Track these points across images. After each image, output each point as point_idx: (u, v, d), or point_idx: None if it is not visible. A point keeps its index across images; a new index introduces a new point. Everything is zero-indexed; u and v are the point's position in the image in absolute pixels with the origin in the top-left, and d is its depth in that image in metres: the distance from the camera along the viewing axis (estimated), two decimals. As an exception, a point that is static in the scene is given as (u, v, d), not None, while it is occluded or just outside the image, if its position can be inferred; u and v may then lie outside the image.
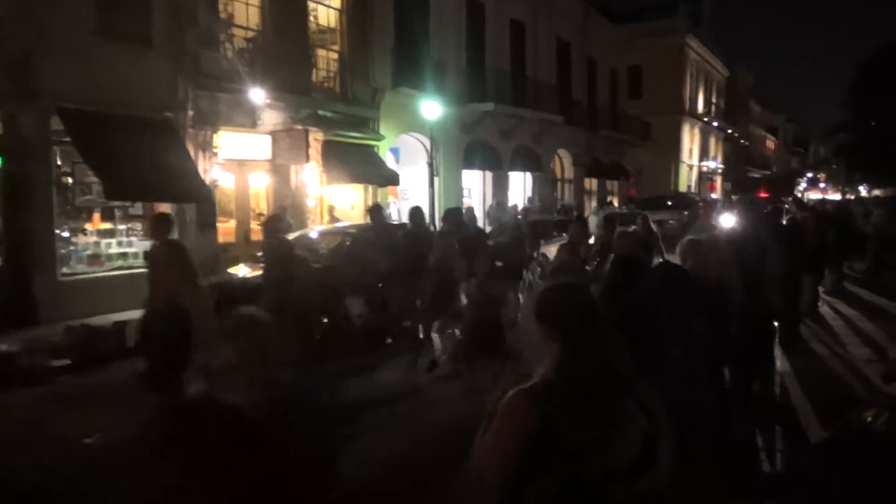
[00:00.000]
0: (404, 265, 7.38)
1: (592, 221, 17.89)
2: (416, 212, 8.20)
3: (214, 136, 11.89)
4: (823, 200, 21.82)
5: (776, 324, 6.56)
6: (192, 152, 11.49)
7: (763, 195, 17.74)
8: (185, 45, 11.34)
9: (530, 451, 1.83)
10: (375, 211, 8.98)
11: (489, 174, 21.26)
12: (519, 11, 21.99)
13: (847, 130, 41.04)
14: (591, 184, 29.20)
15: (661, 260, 8.12)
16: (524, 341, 2.15)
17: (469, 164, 19.78)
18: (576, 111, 25.37)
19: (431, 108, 14.94)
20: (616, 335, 2.00)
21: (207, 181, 11.64)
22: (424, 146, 16.74)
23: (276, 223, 7.27)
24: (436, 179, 17.56)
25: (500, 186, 21.65)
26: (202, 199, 11.06)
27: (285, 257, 6.60)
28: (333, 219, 13.05)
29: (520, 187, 23.72)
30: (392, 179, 15.43)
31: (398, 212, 18.11)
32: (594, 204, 25.22)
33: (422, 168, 17.08)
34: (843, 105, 40.05)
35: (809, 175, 75.27)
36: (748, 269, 5.03)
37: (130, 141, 10.15)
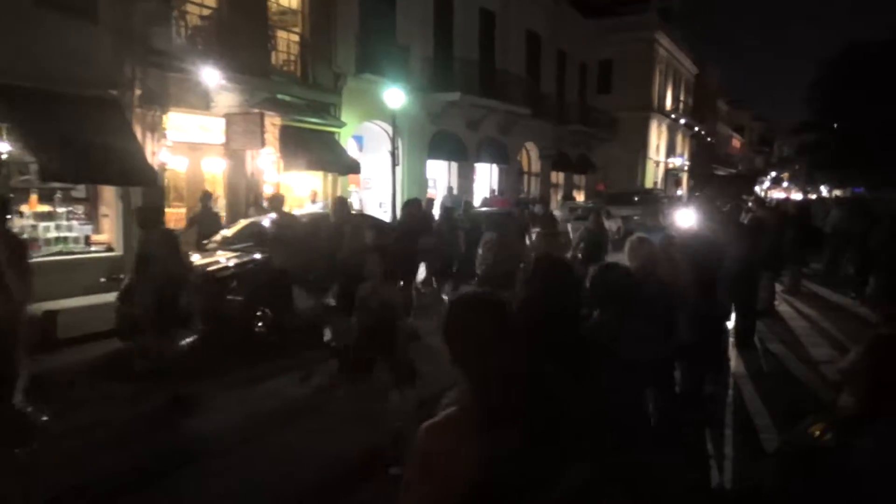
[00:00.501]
0: (315, 260, 6.96)
1: (558, 216, 17.83)
2: (340, 203, 7.73)
3: (163, 117, 11.35)
4: (786, 200, 21.96)
5: (731, 324, 6.43)
6: (139, 133, 10.95)
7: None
8: (133, 20, 10.77)
9: (463, 498, 1.49)
10: (276, 201, 8.47)
11: (455, 165, 20.97)
12: (489, 1, 21.66)
13: (810, 130, 41.65)
14: (559, 177, 29.13)
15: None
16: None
17: (434, 154, 19.47)
18: (544, 104, 25.19)
19: (395, 95, 14.56)
20: (536, 351, 1.72)
21: (155, 164, 11.13)
22: (388, 134, 16.36)
23: (154, 215, 6.63)
24: (399, 169, 17.20)
25: (466, 177, 21.38)
26: (147, 183, 10.54)
27: (168, 254, 6.01)
28: (261, 209, 12.46)
29: (486, 179, 23.50)
30: (352, 168, 15.03)
31: (360, 201, 17.72)
32: (559, 197, 25.08)
33: (385, 157, 16.70)
34: (805, 103, 40.60)
35: (773, 174, 76.50)
36: (702, 267, 4.84)
37: (70, 119, 9.60)
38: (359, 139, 17.73)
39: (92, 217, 11.06)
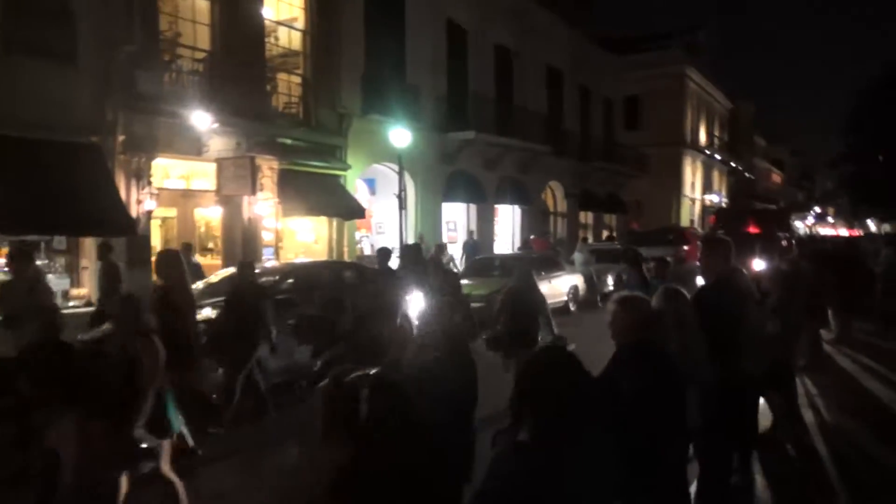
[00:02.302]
0: None
1: (578, 259, 16.69)
2: (162, 258, 6.49)
3: (150, 163, 10.77)
4: (824, 238, 20.13)
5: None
6: (122, 181, 10.39)
7: (752, 230, 16.05)
8: (117, 64, 10.30)
9: None
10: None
11: (473, 207, 20.09)
12: (505, 38, 21.05)
13: (849, 161, 39.87)
14: (587, 217, 28.01)
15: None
16: None
17: (451, 196, 18.62)
18: (567, 141, 24.29)
19: (400, 135, 13.85)
20: None
21: (140, 213, 10.52)
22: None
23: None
24: (411, 212, 16.43)
25: (486, 219, 20.48)
26: (125, 233, 9.88)
27: None
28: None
29: (509, 220, 22.56)
30: (356, 212, 14.26)
31: (371, 246, 16.93)
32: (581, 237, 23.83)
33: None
34: (842, 134, 39.08)
35: (817, 210, 73.80)
36: (716, 325, 3.77)
37: (43, 167, 9.06)
38: (370, 182, 17.06)
39: (73, 269, 10.45)
